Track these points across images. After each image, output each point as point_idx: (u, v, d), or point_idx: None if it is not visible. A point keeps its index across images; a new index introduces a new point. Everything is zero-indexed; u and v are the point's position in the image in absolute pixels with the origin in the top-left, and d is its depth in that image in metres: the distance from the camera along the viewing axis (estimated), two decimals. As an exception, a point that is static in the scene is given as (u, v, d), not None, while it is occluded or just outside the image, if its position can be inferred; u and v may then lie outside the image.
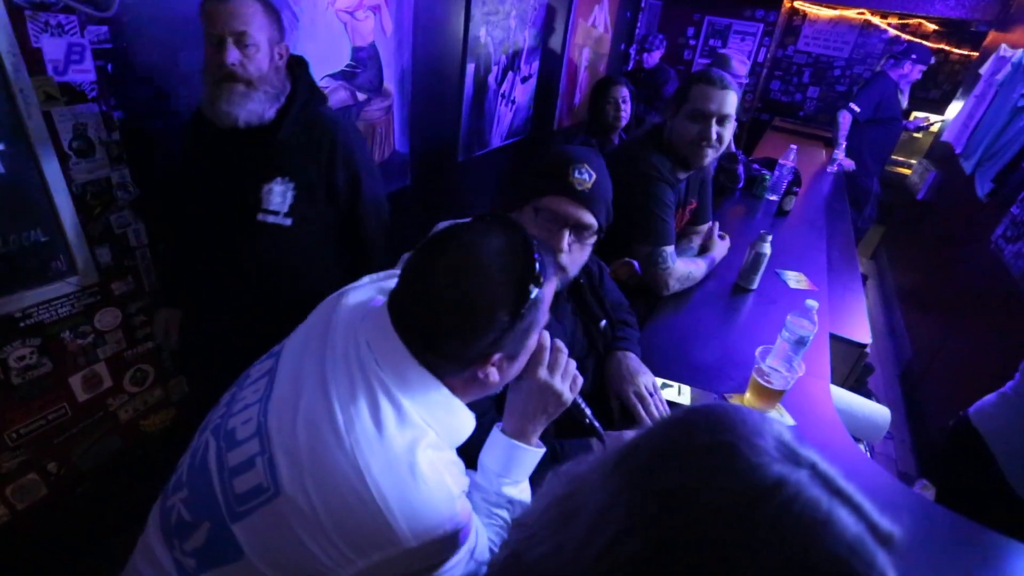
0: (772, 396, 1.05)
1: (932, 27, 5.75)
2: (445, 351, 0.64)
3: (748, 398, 1.08)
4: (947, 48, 5.76)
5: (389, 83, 2.12)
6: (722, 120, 1.36)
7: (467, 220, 0.69)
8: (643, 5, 4.87)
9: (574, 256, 0.99)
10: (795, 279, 1.67)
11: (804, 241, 2.01)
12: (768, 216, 2.33)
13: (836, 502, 0.35)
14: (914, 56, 3.46)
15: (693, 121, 1.37)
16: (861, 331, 1.53)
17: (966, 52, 5.57)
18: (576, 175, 0.95)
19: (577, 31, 3.62)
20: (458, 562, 0.65)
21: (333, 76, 1.88)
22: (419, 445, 0.62)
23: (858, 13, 5.95)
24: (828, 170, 3.47)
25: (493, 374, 0.67)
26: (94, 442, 1.52)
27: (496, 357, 0.65)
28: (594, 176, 0.96)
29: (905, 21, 5.85)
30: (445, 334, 0.63)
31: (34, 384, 1.33)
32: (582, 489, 0.47)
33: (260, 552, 0.60)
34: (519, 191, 0.98)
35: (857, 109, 3.51)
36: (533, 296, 0.63)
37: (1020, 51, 3.12)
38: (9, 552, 1.40)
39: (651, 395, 1.04)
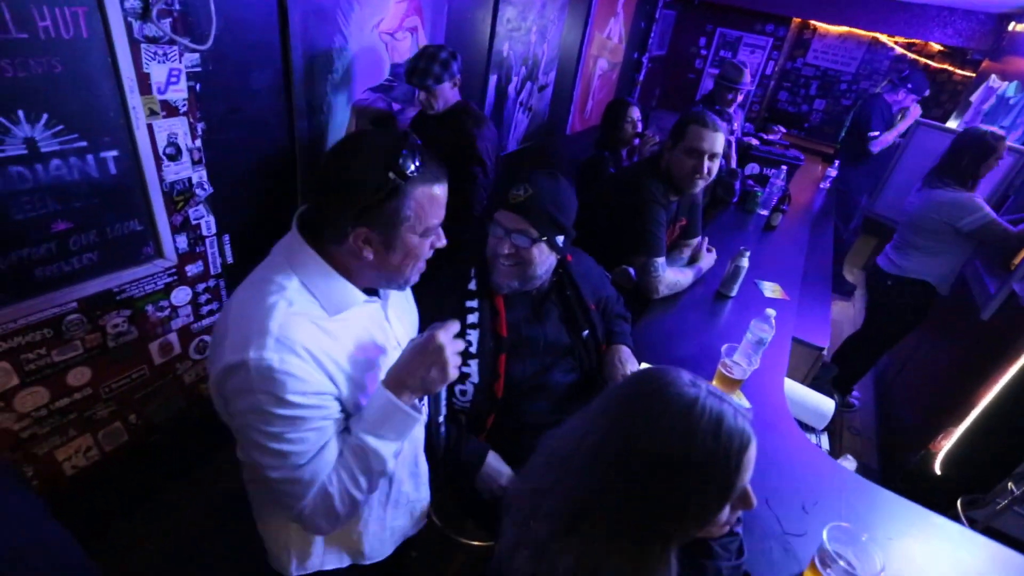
0: (733, 384, 1.30)
1: (937, 48, 5.92)
2: (321, 223, 0.80)
3: (714, 383, 1.33)
4: (950, 68, 5.93)
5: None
6: (712, 157, 1.64)
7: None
8: (657, 16, 5.06)
9: (529, 258, 1.16)
10: (771, 289, 1.91)
11: (785, 255, 2.26)
12: (757, 230, 2.57)
13: (724, 403, 0.63)
14: (910, 86, 3.65)
15: (689, 156, 1.63)
16: (822, 336, 1.78)
17: (968, 73, 5.75)
18: (512, 191, 1.14)
19: (593, 43, 3.84)
20: (288, 437, 0.75)
21: (373, 89, 2.12)
22: (278, 292, 0.77)
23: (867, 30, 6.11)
24: (821, 186, 3.69)
25: (366, 251, 0.79)
26: (164, 400, 1.78)
27: (363, 231, 0.77)
28: (530, 191, 1.12)
29: (912, 40, 6.01)
30: (320, 206, 0.80)
31: (124, 348, 1.59)
32: (569, 435, 0.72)
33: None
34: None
35: (877, 133, 3.63)
36: (392, 181, 0.74)
37: (1007, 84, 3.33)
38: (98, 485, 1.67)
39: None
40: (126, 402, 1.66)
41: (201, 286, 1.76)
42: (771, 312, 1.38)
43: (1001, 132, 2.31)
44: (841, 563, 0.89)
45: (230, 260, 1.81)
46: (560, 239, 1.19)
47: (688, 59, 6.20)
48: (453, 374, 0.85)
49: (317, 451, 0.79)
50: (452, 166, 0.87)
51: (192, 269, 1.71)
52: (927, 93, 3.76)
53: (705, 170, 1.63)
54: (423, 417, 0.87)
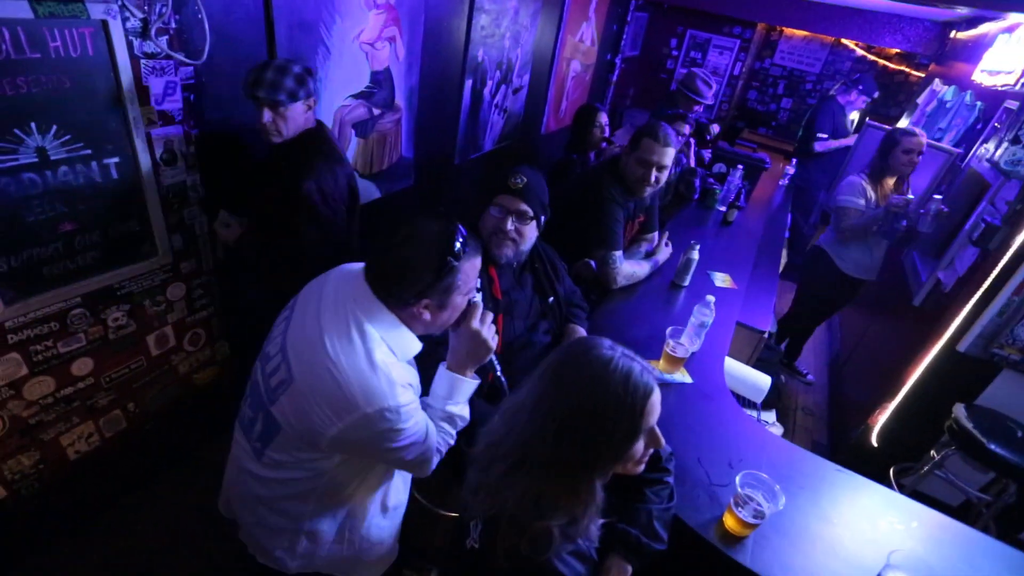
0: (676, 362, 1.49)
1: (894, 50, 6.22)
2: (392, 292, 0.99)
3: (661, 363, 1.51)
4: (906, 70, 6.25)
5: (400, 99, 2.50)
6: (661, 168, 1.85)
7: (424, 214, 1.12)
8: (629, 19, 5.25)
9: (524, 234, 1.45)
10: (721, 279, 2.11)
11: (737, 247, 2.46)
12: (715, 225, 2.78)
13: (633, 362, 0.81)
14: (861, 87, 3.91)
15: (640, 165, 1.83)
16: (764, 321, 1.98)
17: (921, 75, 6.07)
18: (512, 180, 1.43)
19: (566, 46, 4.00)
20: (411, 442, 1.00)
21: (354, 96, 2.25)
22: (375, 349, 0.97)
23: (828, 34, 6.37)
24: (780, 183, 3.92)
25: (425, 314, 1.01)
26: (160, 389, 1.91)
27: (425, 302, 0.99)
28: (526, 180, 1.44)
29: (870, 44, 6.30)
30: (392, 281, 0.98)
31: (123, 340, 1.72)
32: (518, 396, 0.89)
33: (286, 422, 1.00)
34: (487, 197, 1.48)
35: (825, 136, 3.95)
36: (450, 264, 0.97)
37: (947, 88, 3.58)
38: (98, 470, 1.80)
39: None
40: (125, 391, 1.78)
41: (195, 282, 1.88)
42: (711, 298, 1.57)
43: (913, 129, 2.58)
44: (752, 503, 1.08)
45: (221, 257, 1.94)
46: (543, 219, 1.49)
47: (660, 59, 6.41)
48: (494, 344, 1.12)
49: (427, 433, 1.06)
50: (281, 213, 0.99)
51: (187, 266, 1.83)
52: (876, 95, 4.02)
53: (652, 179, 1.84)
54: (478, 381, 1.17)
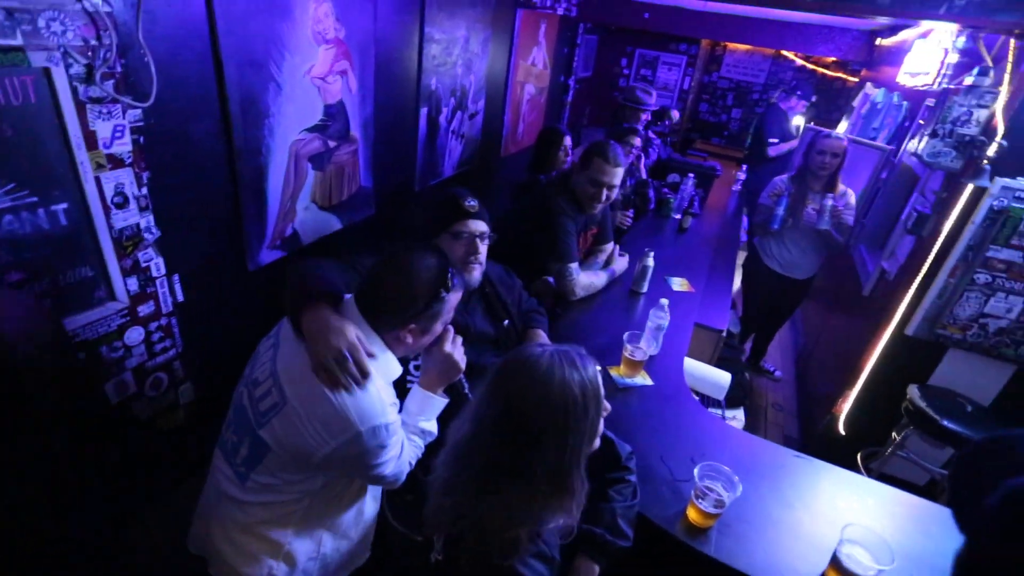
0: (636, 365, 1.53)
1: (830, 59, 6.59)
2: (383, 317, 1.08)
3: (621, 368, 1.55)
4: (843, 76, 6.61)
5: (355, 131, 2.54)
6: (611, 187, 1.92)
7: (418, 245, 1.17)
8: (579, 42, 5.44)
9: (485, 254, 1.48)
10: (678, 283, 2.18)
11: (693, 252, 2.55)
12: (672, 232, 2.87)
13: (573, 366, 0.85)
14: (799, 93, 4.14)
15: (592, 184, 1.91)
16: (721, 320, 2.05)
17: (856, 80, 6.43)
18: (468, 204, 1.46)
19: (518, 70, 4.13)
20: (391, 457, 1.08)
21: (308, 130, 2.28)
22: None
23: (767, 46, 6.71)
24: (733, 188, 4.08)
25: (409, 338, 1.10)
26: (121, 438, 1.86)
27: (412, 327, 1.09)
28: (477, 200, 1.48)
29: (808, 54, 6.67)
30: (384, 306, 1.08)
31: (78, 390, 1.67)
32: (466, 425, 0.93)
33: (277, 443, 1.04)
34: (435, 225, 1.48)
35: (775, 141, 4.18)
36: (441, 296, 1.08)
37: (878, 91, 3.81)
38: (55, 525, 1.73)
39: None
40: (83, 442, 1.73)
41: (154, 325, 1.86)
42: (664, 301, 1.62)
43: (830, 132, 2.76)
44: (712, 494, 1.11)
45: (180, 299, 1.91)
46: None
47: (612, 79, 6.65)
48: (463, 365, 1.21)
49: (403, 447, 1.13)
50: None
51: (144, 309, 1.81)
52: (814, 98, 4.26)
53: (603, 197, 1.92)
54: (447, 399, 1.24)
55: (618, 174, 1.92)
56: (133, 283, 1.75)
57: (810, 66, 6.70)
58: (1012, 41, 1.81)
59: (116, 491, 1.89)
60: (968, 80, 1.97)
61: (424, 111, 3.03)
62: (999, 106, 1.87)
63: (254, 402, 1.10)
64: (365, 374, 1.01)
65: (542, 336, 1.60)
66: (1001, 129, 1.85)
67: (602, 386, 0.89)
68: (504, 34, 3.74)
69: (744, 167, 4.24)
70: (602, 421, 0.91)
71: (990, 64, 1.93)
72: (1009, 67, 1.84)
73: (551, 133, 2.97)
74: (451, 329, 1.20)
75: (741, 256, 3.40)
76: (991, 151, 1.84)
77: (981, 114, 1.93)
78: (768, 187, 2.82)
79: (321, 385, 1.00)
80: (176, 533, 1.96)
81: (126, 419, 1.85)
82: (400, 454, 1.11)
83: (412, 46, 2.80)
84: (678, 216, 3.01)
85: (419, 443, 1.21)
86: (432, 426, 1.23)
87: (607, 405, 0.92)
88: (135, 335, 1.81)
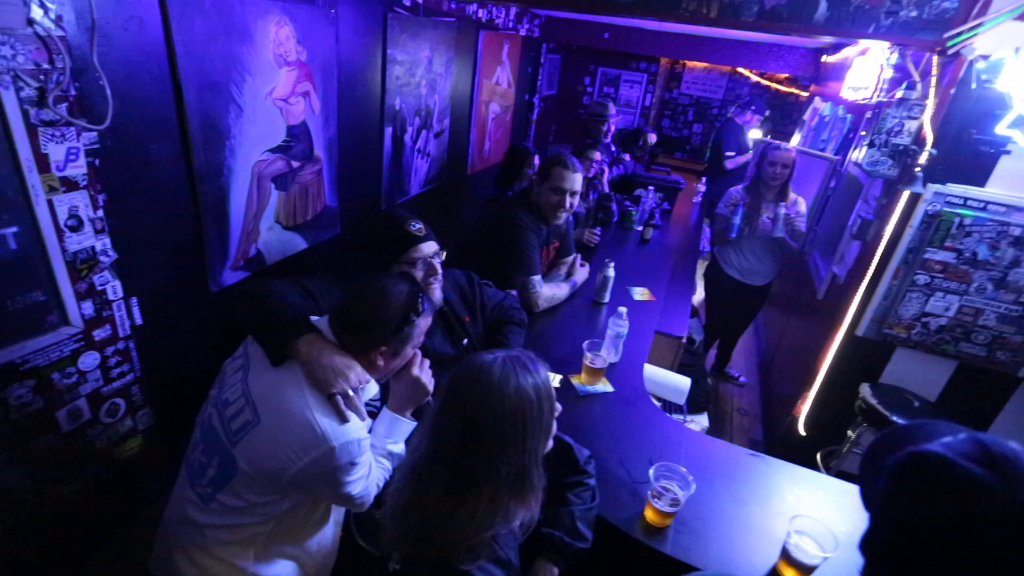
0: (596, 373, 1.57)
1: (783, 75, 6.90)
2: (355, 340, 1.12)
3: (582, 376, 1.59)
4: (796, 91, 6.92)
5: (319, 151, 2.56)
6: (573, 194, 1.97)
7: (391, 273, 1.20)
8: (543, 61, 5.58)
9: (439, 271, 1.50)
10: (640, 293, 2.24)
11: (654, 262, 2.63)
12: (634, 244, 2.95)
13: (526, 369, 0.88)
14: (753, 108, 4.33)
15: (554, 193, 1.96)
16: (681, 327, 2.11)
17: (806, 95, 6.74)
18: (414, 229, 1.48)
19: (482, 90, 4.21)
20: (361, 476, 1.11)
21: (271, 150, 2.29)
22: None
23: (723, 64, 6.98)
24: (694, 200, 4.22)
25: (379, 360, 1.14)
26: (75, 468, 1.80)
27: (383, 349, 1.13)
28: (421, 222, 1.50)
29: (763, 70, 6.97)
30: (357, 330, 1.12)
31: (28, 418, 1.63)
32: (422, 446, 0.95)
33: (248, 462, 1.05)
34: (388, 256, 1.48)
35: (732, 154, 4.36)
36: (412, 320, 1.13)
37: (825, 104, 4.02)
38: (5, 565, 1.66)
39: None
40: (33, 474, 1.67)
41: (110, 349, 1.82)
42: (623, 309, 1.68)
43: (780, 144, 2.92)
44: (668, 494, 1.15)
45: (139, 322, 1.88)
46: None
47: (576, 96, 6.82)
48: (431, 387, 1.24)
49: (371, 467, 1.15)
50: None
51: (100, 333, 1.77)
52: (767, 113, 4.47)
53: (568, 205, 1.97)
54: (415, 423, 1.26)
55: (578, 180, 1.99)
56: (88, 307, 1.71)
57: (764, 82, 7.01)
58: (935, 57, 1.95)
59: (72, 523, 1.83)
60: (899, 94, 2.11)
61: (389, 131, 3.07)
62: (927, 117, 2.01)
63: (225, 422, 1.11)
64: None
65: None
66: (930, 138, 1.98)
67: (553, 387, 0.92)
68: (467, 54, 3.83)
69: (704, 180, 4.39)
70: (555, 420, 0.94)
71: (917, 79, 2.07)
72: (933, 81, 1.98)
73: (519, 151, 3.04)
74: (419, 353, 1.23)
75: (703, 266, 3.52)
76: (923, 159, 1.97)
77: (911, 125, 2.07)
78: (724, 198, 2.94)
79: (295, 402, 1.03)
80: (137, 562, 1.91)
81: (80, 447, 1.80)
82: (369, 473, 1.13)
83: (375, 67, 2.84)
84: (640, 228, 3.10)
85: (387, 465, 1.23)
86: (400, 448, 1.25)
87: (558, 405, 0.95)
88: (90, 360, 1.76)
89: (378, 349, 1.12)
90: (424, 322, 1.17)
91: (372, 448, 1.19)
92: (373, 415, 1.30)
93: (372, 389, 1.17)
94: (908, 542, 0.49)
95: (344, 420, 1.05)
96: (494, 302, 1.70)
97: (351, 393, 1.07)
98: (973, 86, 1.82)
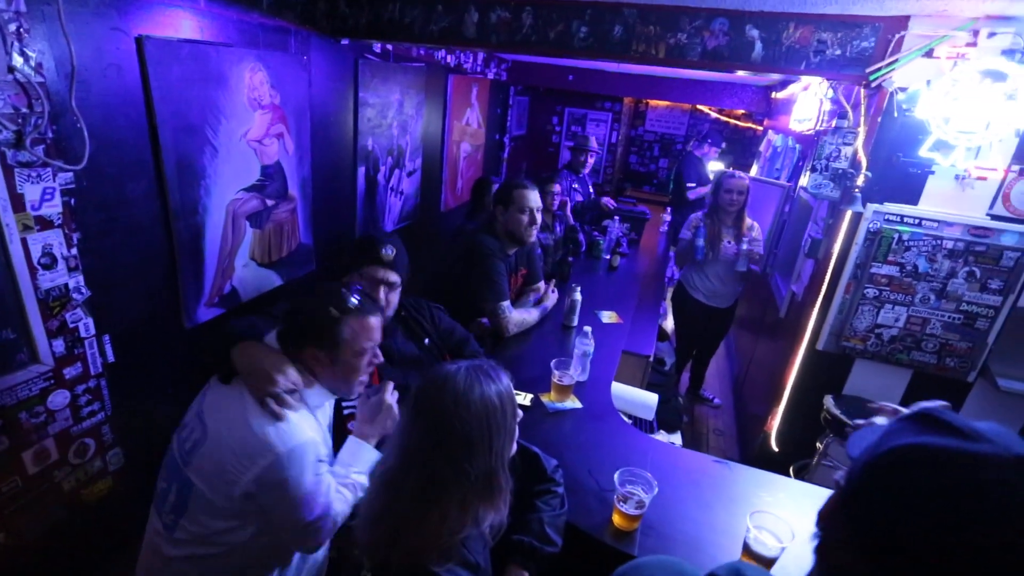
0: (564, 390, 1.63)
1: (740, 111, 7.30)
2: (287, 338, 1.15)
3: (552, 394, 1.65)
4: (752, 125, 7.32)
5: (293, 190, 2.63)
6: (538, 209, 2.08)
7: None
8: (511, 103, 5.82)
9: (391, 302, 1.54)
10: (608, 316, 2.33)
11: (622, 288, 2.73)
12: (603, 271, 3.06)
13: (489, 377, 0.93)
14: (709, 141, 4.58)
15: (522, 213, 2.06)
16: (647, 347, 2.19)
17: (761, 128, 7.14)
18: (384, 251, 1.50)
19: (453, 131, 4.37)
20: (315, 491, 1.08)
21: (246, 190, 2.35)
22: None
23: (683, 103, 7.35)
24: (660, 229, 4.39)
25: (315, 364, 1.15)
26: (40, 512, 1.75)
27: (311, 350, 1.14)
28: (395, 250, 1.51)
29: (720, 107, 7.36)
30: (287, 327, 1.16)
31: (-5, 459, 1.60)
32: (391, 457, 0.99)
33: (201, 478, 1.07)
34: (348, 263, 1.54)
35: (693, 185, 4.58)
36: (338, 317, 1.12)
37: (777, 136, 4.28)
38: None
39: None
40: (-4, 517, 1.63)
41: (81, 387, 1.81)
42: (588, 328, 1.75)
43: (735, 172, 3.12)
44: (633, 497, 1.20)
45: (111, 359, 1.88)
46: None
47: (545, 135, 7.09)
48: (397, 418, 1.22)
49: (328, 487, 1.13)
50: None
51: (70, 371, 1.77)
52: (723, 145, 4.74)
53: (537, 220, 2.07)
54: (379, 454, 1.24)
55: (536, 196, 2.12)
56: (59, 344, 1.72)
57: (723, 118, 7.40)
58: (862, 90, 2.15)
59: (40, 570, 1.77)
60: (834, 123, 2.30)
61: (362, 170, 3.16)
62: (859, 143, 2.19)
63: (180, 443, 1.13)
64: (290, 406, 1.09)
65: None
66: (864, 162, 2.15)
67: (514, 392, 0.98)
68: (438, 97, 4.00)
69: (668, 209, 4.59)
70: (517, 425, 0.98)
71: (848, 109, 2.27)
72: (863, 110, 2.17)
73: (481, 182, 3.19)
74: (390, 384, 1.26)
75: (671, 291, 3.64)
76: (860, 181, 2.13)
77: (847, 150, 2.25)
78: (685, 223, 3.09)
79: (236, 411, 1.05)
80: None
81: (46, 490, 1.76)
82: (327, 493, 1.11)
83: (347, 109, 2.96)
84: (608, 256, 3.22)
85: (347, 496, 1.17)
86: (363, 479, 1.21)
87: (519, 411, 1.00)
88: (59, 399, 1.75)
89: (310, 349, 1.13)
90: (359, 324, 1.14)
91: (334, 475, 1.17)
92: (351, 417, 1.32)
93: (317, 400, 1.18)
94: (913, 538, 0.47)
95: (278, 418, 1.05)
96: (447, 323, 1.76)
97: (283, 395, 1.07)
98: (896, 115, 2.00)
